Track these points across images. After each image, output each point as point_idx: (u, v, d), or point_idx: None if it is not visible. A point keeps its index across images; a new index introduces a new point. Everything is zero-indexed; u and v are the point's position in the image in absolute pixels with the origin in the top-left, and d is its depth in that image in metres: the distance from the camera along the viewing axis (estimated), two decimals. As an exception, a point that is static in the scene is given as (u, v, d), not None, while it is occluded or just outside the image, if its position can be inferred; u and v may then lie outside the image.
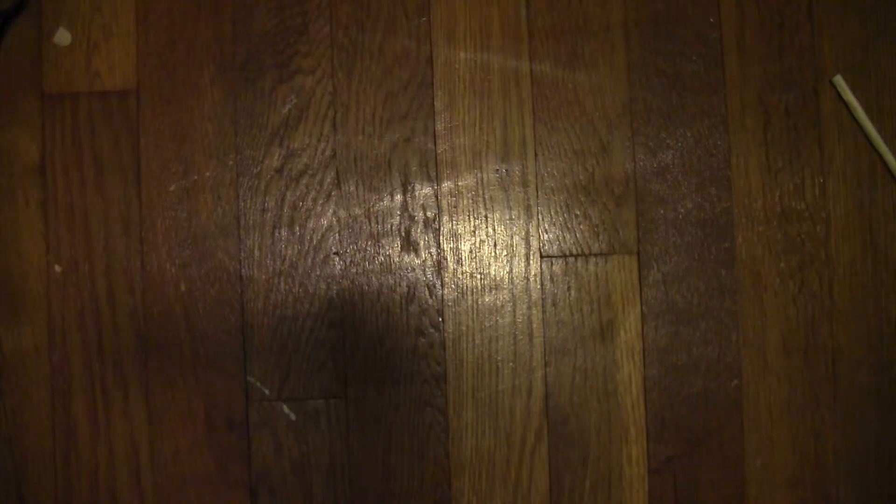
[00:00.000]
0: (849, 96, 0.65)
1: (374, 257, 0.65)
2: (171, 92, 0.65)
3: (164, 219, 0.65)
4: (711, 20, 0.66)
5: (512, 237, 0.65)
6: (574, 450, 0.65)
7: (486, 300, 0.65)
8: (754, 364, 0.65)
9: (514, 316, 0.65)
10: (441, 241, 0.65)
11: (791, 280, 0.65)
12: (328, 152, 0.65)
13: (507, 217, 0.65)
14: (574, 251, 0.65)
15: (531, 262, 0.65)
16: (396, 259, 0.65)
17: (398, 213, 0.65)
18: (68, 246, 0.65)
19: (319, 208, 0.65)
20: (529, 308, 0.65)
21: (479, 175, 0.65)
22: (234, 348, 0.65)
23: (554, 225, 0.65)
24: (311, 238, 0.65)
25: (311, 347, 0.65)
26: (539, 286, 0.65)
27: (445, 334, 0.65)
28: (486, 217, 0.65)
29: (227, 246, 0.65)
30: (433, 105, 0.65)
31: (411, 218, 0.65)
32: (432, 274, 0.65)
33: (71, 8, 0.66)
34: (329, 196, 0.65)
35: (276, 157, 0.65)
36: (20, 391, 0.65)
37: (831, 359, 0.65)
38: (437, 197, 0.65)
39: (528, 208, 0.65)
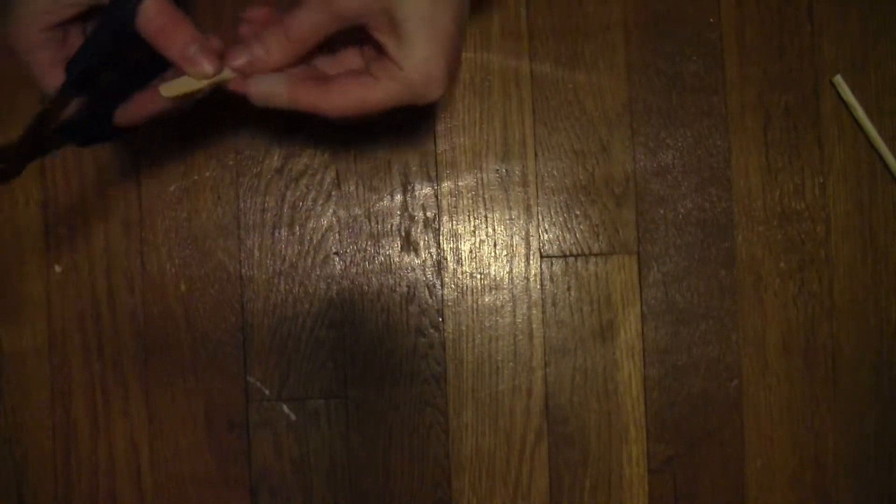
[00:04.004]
0: (849, 96, 0.65)
1: (374, 257, 0.65)
2: (171, 92, 0.65)
3: (164, 219, 0.65)
4: (711, 20, 0.66)
5: (512, 237, 0.65)
6: (574, 450, 0.65)
7: (486, 300, 0.65)
8: (754, 364, 0.65)
9: (514, 316, 0.65)
10: (441, 241, 0.65)
11: (791, 280, 0.65)
12: (328, 152, 0.65)
13: (507, 217, 0.65)
14: (574, 251, 0.65)
15: (531, 262, 0.65)
16: (396, 259, 0.65)
17: (398, 213, 0.65)
18: (68, 246, 0.65)
19: (319, 208, 0.65)
20: (529, 308, 0.65)
21: (479, 175, 0.65)
22: (234, 348, 0.65)
23: (554, 225, 0.65)
24: (311, 238, 0.65)
25: (311, 347, 0.65)
26: (539, 286, 0.65)
27: (445, 334, 0.65)
28: (486, 217, 0.65)
29: (227, 246, 0.65)
30: (433, 105, 0.65)
31: (411, 218, 0.65)
32: (432, 274, 0.65)
33: (71, 8, 0.65)
34: (329, 196, 0.65)
35: (276, 157, 0.65)
36: (20, 391, 0.65)
37: (831, 359, 0.65)
38: (437, 197, 0.65)
39: (528, 208, 0.65)
